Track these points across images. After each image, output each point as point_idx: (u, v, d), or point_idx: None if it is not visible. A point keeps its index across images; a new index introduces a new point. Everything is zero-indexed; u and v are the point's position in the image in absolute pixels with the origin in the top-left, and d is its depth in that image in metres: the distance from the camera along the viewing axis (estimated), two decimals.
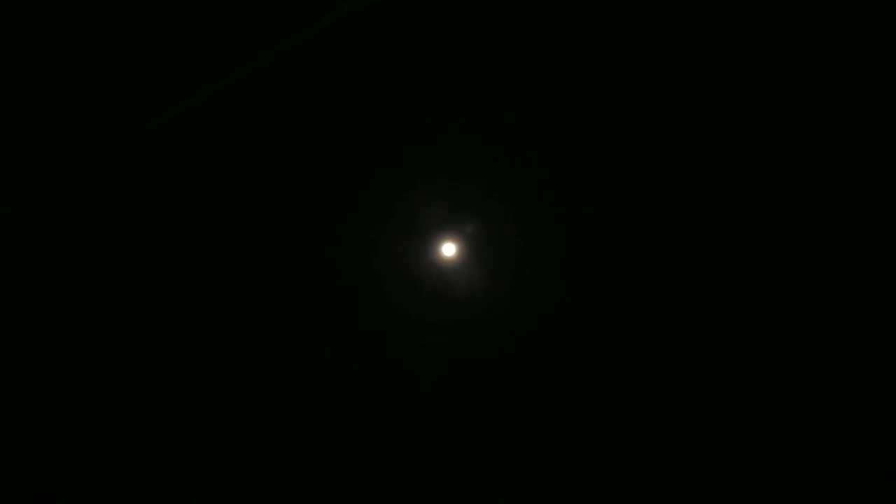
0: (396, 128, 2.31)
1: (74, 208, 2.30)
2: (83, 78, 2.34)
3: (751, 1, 2.20)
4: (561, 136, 2.28)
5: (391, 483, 2.24)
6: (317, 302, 2.34)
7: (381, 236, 2.34)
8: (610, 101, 2.28)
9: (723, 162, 2.28)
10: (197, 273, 2.32)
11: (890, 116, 2.20)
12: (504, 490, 2.22)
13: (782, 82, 2.24)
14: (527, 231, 2.33)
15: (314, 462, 2.26)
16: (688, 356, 2.24)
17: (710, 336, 2.25)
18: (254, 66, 2.25)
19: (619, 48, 2.24)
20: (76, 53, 2.34)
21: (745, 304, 2.25)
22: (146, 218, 2.32)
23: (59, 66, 2.34)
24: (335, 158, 2.32)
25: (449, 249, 2.36)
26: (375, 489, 2.24)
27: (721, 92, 2.26)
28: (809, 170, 2.24)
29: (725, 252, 2.28)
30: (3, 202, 2.22)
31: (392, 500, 2.24)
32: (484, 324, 2.32)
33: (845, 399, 2.17)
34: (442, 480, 2.23)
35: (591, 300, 2.30)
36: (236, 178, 2.36)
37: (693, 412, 2.23)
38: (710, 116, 2.29)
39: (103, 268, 2.31)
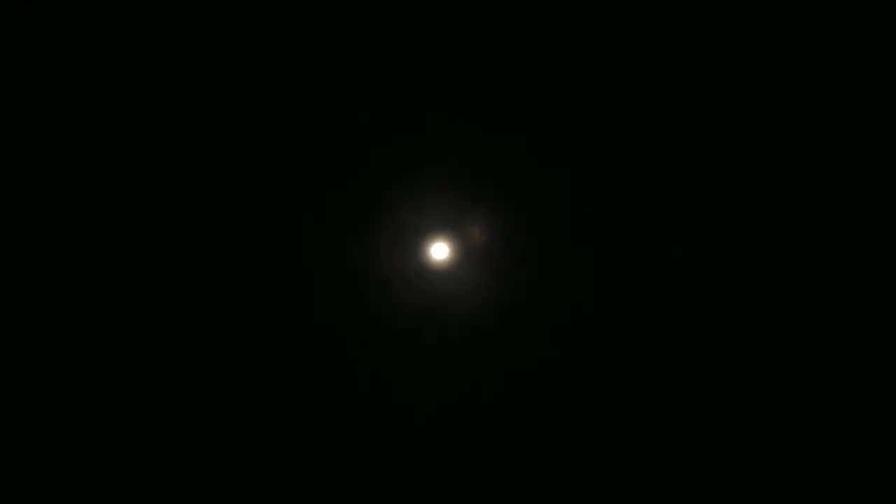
0: (396, 127, 2.32)
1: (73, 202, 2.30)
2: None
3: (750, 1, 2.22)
4: (561, 136, 2.29)
5: (390, 484, 2.24)
6: (314, 302, 2.34)
7: (380, 235, 2.34)
8: (610, 101, 2.29)
9: (723, 163, 2.29)
10: (194, 271, 2.32)
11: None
12: (504, 490, 2.22)
13: (780, 85, 2.25)
14: (526, 230, 2.34)
15: (312, 463, 2.25)
16: (690, 356, 2.25)
17: (713, 336, 2.26)
18: (249, 62, 2.26)
19: (620, 49, 2.25)
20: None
21: (746, 305, 2.26)
22: (144, 214, 2.32)
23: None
24: (334, 157, 2.32)
25: (448, 249, 2.36)
26: (374, 490, 2.24)
27: (721, 94, 2.27)
28: (809, 173, 2.25)
29: (726, 253, 2.29)
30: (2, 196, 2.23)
31: (391, 500, 2.24)
32: (483, 324, 2.32)
33: (845, 399, 2.18)
34: (441, 481, 2.23)
35: (591, 300, 2.31)
36: (234, 178, 2.36)
37: (693, 412, 2.23)
38: (709, 117, 2.30)
39: (102, 263, 2.30)
